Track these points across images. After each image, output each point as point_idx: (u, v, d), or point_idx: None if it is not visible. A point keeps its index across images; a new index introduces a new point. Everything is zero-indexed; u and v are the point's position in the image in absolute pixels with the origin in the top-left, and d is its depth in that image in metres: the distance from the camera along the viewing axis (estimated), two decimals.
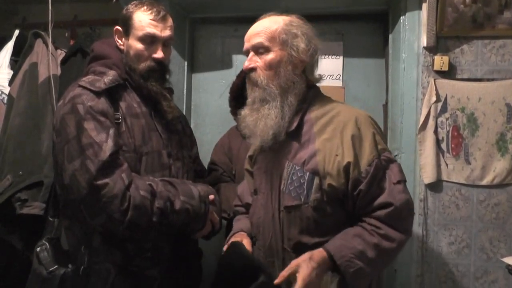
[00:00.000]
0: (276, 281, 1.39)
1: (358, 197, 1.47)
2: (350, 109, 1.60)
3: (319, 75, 1.65)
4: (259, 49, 1.55)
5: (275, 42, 1.53)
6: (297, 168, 1.51)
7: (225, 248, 1.61)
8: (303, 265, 1.39)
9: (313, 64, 1.60)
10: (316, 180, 1.48)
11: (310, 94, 1.60)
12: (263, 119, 1.54)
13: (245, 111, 1.61)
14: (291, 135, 1.55)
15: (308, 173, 1.49)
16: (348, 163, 1.45)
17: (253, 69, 1.57)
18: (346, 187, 1.47)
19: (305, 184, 1.49)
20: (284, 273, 1.40)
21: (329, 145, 1.49)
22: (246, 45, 1.60)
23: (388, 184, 1.47)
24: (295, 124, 1.54)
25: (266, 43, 1.54)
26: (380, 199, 1.46)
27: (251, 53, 1.58)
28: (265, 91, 1.54)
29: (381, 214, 1.46)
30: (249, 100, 1.59)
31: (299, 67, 1.55)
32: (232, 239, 1.63)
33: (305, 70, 1.58)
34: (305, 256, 1.42)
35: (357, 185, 1.46)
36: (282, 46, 1.53)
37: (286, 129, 1.54)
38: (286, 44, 1.53)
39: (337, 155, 1.47)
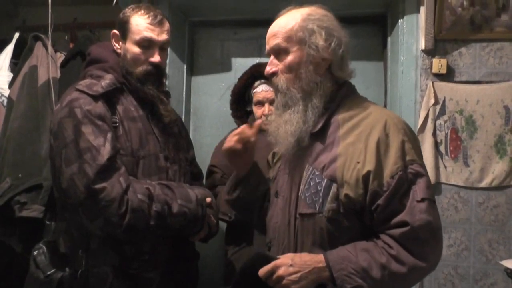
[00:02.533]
0: (260, 274, 1.31)
1: (375, 212, 1.30)
2: (382, 111, 1.42)
3: (351, 69, 1.47)
4: (278, 51, 1.42)
5: (292, 42, 1.38)
6: (316, 173, 1.37)
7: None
8: (284, 257, 1.33)
9: (339, 59, 1.40)
10: (334, 188, 1.32)
11: (340, 93, 1.44)
12: (284, 125, 1.42)
13: (271, 117, 1.51)
14: (315, 136, 1.41)
15: (326, 180, 1.34)
16: (368, 172, 1.28)
17: (274, 74, 1.43)
18: (364, 200, 1.30)
19: (322, 191, 1.34)
20: (268, 267, 1.30)
21: (352, 150, 1.33)
22: (267, 47, 1.46)
23: (411, 201, 1.28)
24: (319, 125, 1.40)
25: (284, 45, 1.39)
26: (398, 218, 1.28)
27: (272, 56, 1.44)
28: (286, 96, 1.41)
29: (395, 233, 1.27)
30: (274, 106, 1.50)
31: (322, 66, 1.39)
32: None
33: (331, 67, 1.40)
34: (297, 254, 1.34)
35: (375, 198, 1.28)
36: (300, 45, 1.38)
37: (310, 131, 1.41)
38: (304, 43, 1.37)
39: (358, 162, 1.30)
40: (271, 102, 2.23)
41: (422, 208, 1.28)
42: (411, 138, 1.37)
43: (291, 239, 1.41)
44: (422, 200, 1.28)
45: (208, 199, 1.77)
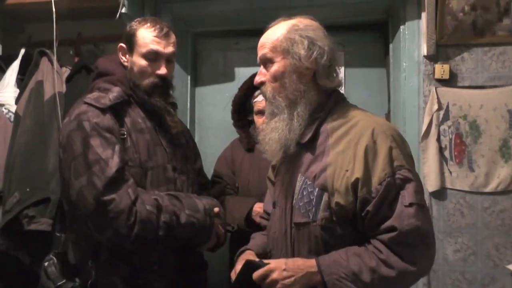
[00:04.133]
0: (254, 277, 1.34)
1: (365, 218, 1.32)
2: (371, 118, 1.44)
3: (338, 79, 1.50)
4: (265, 61, 1.47)
5: (276, 51, 1.43)
6: (308, 182, 1.40)
7: (237, 267, 1.51)
8: (281, 259, 1.38)
9: (324, 68, 1.42)
10: (325, 197, 1.35)
11: (329, 103, 1.46)
12: (270, 132, 1.46)
13: (262, 126, 1.55)
14: (306, 146, 1.45)
15: (317, 189, 1.37)
16: (357, 179, 1.31)
17: (262, 83, 1.49)
18: (355, 207, 1.32)
19: (314, 200, 1.37)
20: (261, 271, 1.34)
21: (341, 158, 1.35)
22: (258, 58, 1.51)
23: (399, 206, 1.30)
24: (309, 136, 1.44)
25: (269, 55, 1.44)
26: (387, 223, 1.30)
27: (261, 66, 1.50)
28: (272, 104, 1.46)
29: (385, 238, 1.30)
30: (265, 115, 1.54)
31: (306, 75, 1.42)
32: (240, 259, 1.56)
33: (315, 76, 1.43)
34: (290, 259, 1.38)
35: (365, 205, 1.31)
36: (283, 55, 1.42)
37: (297, 141, 1.44)
38: (287, 53, 1.41)
39: (347, 170, 1.33)
40: None
41: (410, 213, 1.30)
42: (400, 144, 1.38)
43: (288, 247, 1.45)
44: (410, 205, 1.30)
45: (216, 209, 1.77)
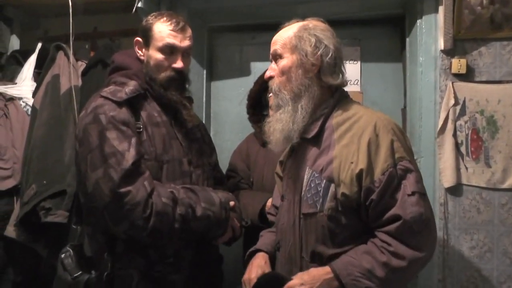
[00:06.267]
0: None
1: (370, 207, 1.41)
2: (372, 114, 1.53)
3: (342, 77, 1.58)
4: (276, 57, 1.58)
5: (286, 48, 1.54)
6: (316, 175, 1.49)
7: (251, 276, 1.62)
8: (299, 274, 1.45)
9: (329, 66, 1.53)
10: (332, 188, 1.44)
11: (333, 99, 1.57)
12: (275, 123, 1.56)
13: (269, 119, 1.64)
14: (312, 141, 1.55)
15: (324, 181, 1.46)
16: (361, 170, 1.40)
17: (271, 77, 1.59)
18: (359, 197, 1.41)
19: (321, 191, 1.46)
20: None
21: (346, 151, 1.45)
22: (270, 54, 1.62)
23: (401, 196, 1.39)
24: (315, 131, 1.53)
25: (280, 51, 1.56)
26: (391, 212, 1.39)
27: (272, 62, 1.60)
28: (278, 97, 1.56)
29: (391, 229, 1.39)
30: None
31: (311, 71, 1.52)
32: (253, 266, 1.66)
33: (320, 73, 1.53)
34: (305, 272, 1.46)
35: (369, 194, 1.40)
36: (292, 51, 1.53)
37: (300, 134, 1.53)
38: (296, 49, 1.52)
39: (352, 162, 1.42)
40: None
41: (413, 201, 1.39)
42: (400, 137, 1.48)
43: (297, 238, 1.54)
44: (413, 193, 1.40)
45: (232, 203, 1.78)
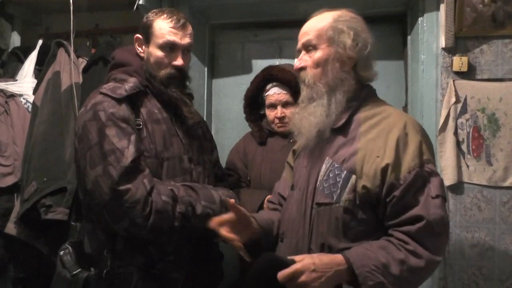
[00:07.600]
0: (280, 278, 1.27)
1: (390, 203, 1.37)
2: (402, 114, 1.53)
3: (375, 71, 1.57)
4: (308, 47, 1.52)
5: (322, 39, 1.49)
6: (336, 165, 1.45)
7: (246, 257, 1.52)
8: (307, 257, 1.32)
9: (364, 60, 1.50)
10: (352, 180, 1.40)
11: (363, 94, 1.54)
12: (308, 117, 1.51)
13: (295, 110, 1.61)
14: (337, 131, 1.51)
15: (345, 172, 1.42)
16: (387, 165, 1.36)
17: (302, 68, 1.54)
18: (381, 191, 1.37)
19: (340, 182, 1.41)
20: (288, 272, 1.28)
21: (372, 145, 1.42)
22: (298, 44, 1.57)
23: (425, 197, 1.36)
24: (342, 121, 1.50)
25: (314, 41, 1.50)
26: (413, 211, 1.35)
27: (302, 52, 1.55)
28: (312, 90, 1.51)
29: (412, 229, 1.34)
30: (299, 99, 1.57)
31: (348, 64, 1.49)
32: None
33: (355, 66, 1.51)
34: (315, 256, 1.34)
35: (391, 190, 1.36)
36: (329, 43, 1.48)
37: (331, 126, 1.49)
38: (333, 41, 1.47)
39: (378, 156, 1.39)
40: (284, 105, 2.24)
41: (437, 203, 1.36)
42: (427, 140, 1.47)
43: (306, 228, 1.48)
44: (437, 196, 1.37)
45: (232, 200, 1.77)
